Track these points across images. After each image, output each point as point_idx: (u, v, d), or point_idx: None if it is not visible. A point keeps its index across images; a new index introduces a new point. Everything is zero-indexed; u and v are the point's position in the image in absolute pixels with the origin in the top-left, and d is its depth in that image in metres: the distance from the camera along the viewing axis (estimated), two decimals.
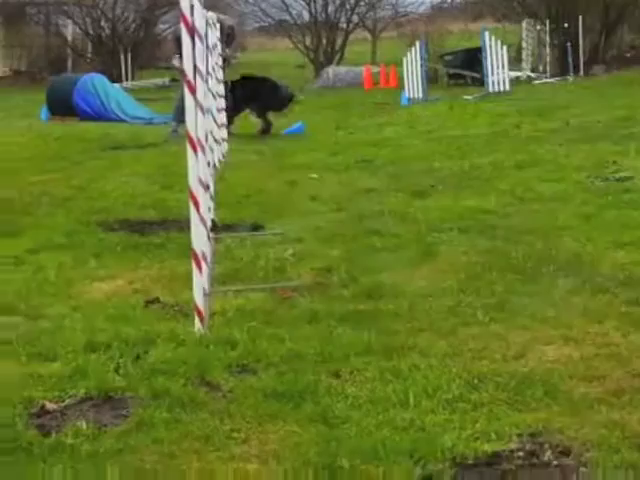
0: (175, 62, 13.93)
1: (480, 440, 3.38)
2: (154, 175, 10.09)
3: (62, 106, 18.00)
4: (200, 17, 5.15)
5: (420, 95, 20.51)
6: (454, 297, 5.16)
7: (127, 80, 30.62)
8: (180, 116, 13.72)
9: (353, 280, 5.57)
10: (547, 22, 27.04)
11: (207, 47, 7.86)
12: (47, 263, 6.20)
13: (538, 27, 27.81)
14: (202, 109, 4.89)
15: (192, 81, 4.81)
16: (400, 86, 23.78)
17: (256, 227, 7.15)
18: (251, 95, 14.11)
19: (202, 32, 5.22)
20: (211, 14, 13.09)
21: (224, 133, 11.71)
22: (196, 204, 4.82)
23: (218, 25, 12.30)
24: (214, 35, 10.61)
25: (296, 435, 3.50)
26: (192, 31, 4.85)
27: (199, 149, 4.91)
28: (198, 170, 4.88)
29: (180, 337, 4.55)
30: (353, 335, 4.57)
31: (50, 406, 3.77)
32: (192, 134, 4.76)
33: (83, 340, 4.53)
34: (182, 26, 4.81)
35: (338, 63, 34.07)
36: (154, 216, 7.73)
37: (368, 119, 16.52)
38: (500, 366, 4.10)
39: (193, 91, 4.81)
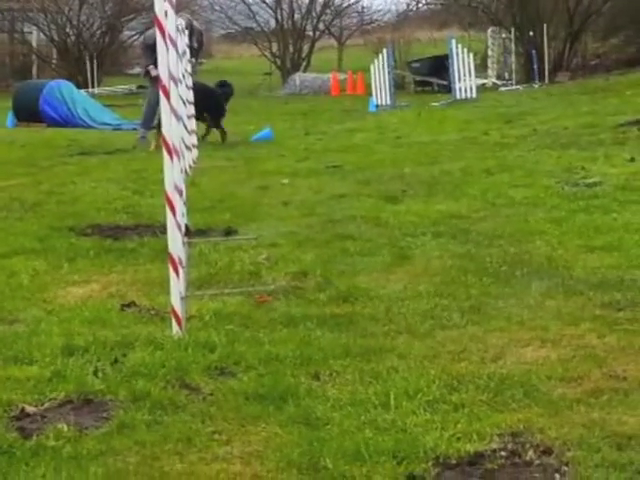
0: (153, 72, 13.89)
1: (462, 440, 3.41)
2: (124, 180, 10.06)
3: (28, 112, 17.93)
4: (173, 23, 5.14)
5: (388, 102, 20.62)
6: (430, 300, 5.18)
7: (93, 86, 30.50)
8: (148, 123, 13.75)
9: (328, 284, 5.58)
10: (512, 30, 27.30)
11: (177, 53, 7.85)
12: (20, 268, 6.16)
13: (503, 35, 28.07)
14: (176, 115, 4.88)
15: (167, 87, 4.80)
16: (367, 93, 23.93)
17: (229, 232, 7.15)
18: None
19: (175, 38, 5.22)
20: (181, 19, 13.12)
21: (194, 139, 11.70)
22: (172, 209, 4.81)
23: (187, 30, 12.32)
24: (183, 41, 10.60)
25: (279, 436, 3.51)
26: (167, 37, 4.84)
27: (174, 154, 4.90)
28: (173, 175, 4.87)
29: (158, 340, 4.54)
30: (331, 338, 4.59)
31: (30, 409, 3.75)
32: (168, 139, 4.76)
33: (60, 343, 4.51)
34: (157, 32, 4.80)
35: (305, 70, 34.19)
36: (127, 221, 7.71)
37: (337, 125, 16.59)
38: (479, 368, 4.13)
39: (168, 97, 4.80)
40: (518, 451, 3.31)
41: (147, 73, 13.69)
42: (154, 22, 4.89)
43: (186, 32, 12.55)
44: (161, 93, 4.72)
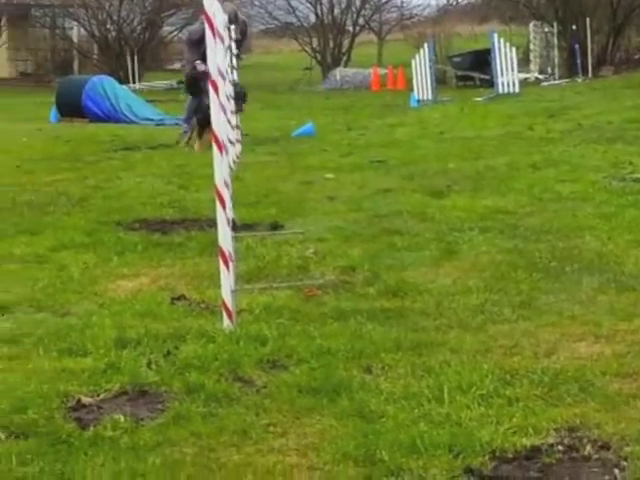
0: (200, 67, 13.95)
1: (518, 434, 3.40)
2: (169, 175, 10.11)
3: (71, 108, 18.05)
4: (221, 19, 5.16)
5: (429, 96, 20.55)
6: (480, 295, 5.17)
7: (134, 82, 30.66)
8: (190, 118, 13.80)
9: (377, 278, 5.58)
10: (555, 24, 27.09)
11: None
12: (70, 261, 6.22)
13: (546, 29, 27.86)
14: (224, 110, 4.90)
15: (216, 82, 4.82)
16: (408, 88, 23.85)
17: (276, 226, 7.17)
18: None
19: (222, 33, 5.24)
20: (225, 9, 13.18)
21: (237, 134, 11.73)
22: (222, 203, 4.83)
23: (232, 24, 12.42)
24: (227, 36, 10.64)
25: (334, 429, 3.52)
26: (215, 32, 4.86)
27: (224, 149, 4.91)
28: (223, 170, 4.88)
29: (209, 333, 4.57)
30: (382, 332, 4.59)
31: (86, 400, 3.79)
32: (218, 134, 4.78)
33: (113, 336, 4.55)
34: (206, 27, 4.81)
35: (345, 65, 34.15)
36: (173, 215, 7.75)
37: (378, 120, 16.55)
38: (532, 362, 4.11)
39: (217, 92, 4.82)
40: (575, 446, 3.30)
41: (194, 68, 13.73)
42: (204, 18, 4.91)
43: (232, 26, 12.63)
44: (210, 88, 4.74)
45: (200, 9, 13.11)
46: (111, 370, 4.10)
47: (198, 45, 13.36)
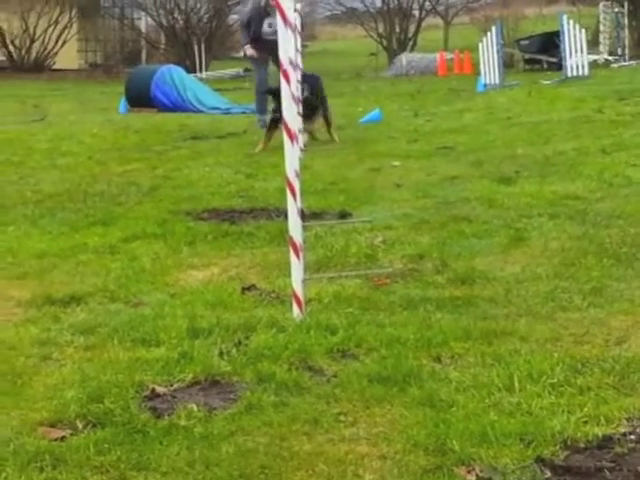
0: (248, 51, 14.05)
1: (589, 424, 3.39)
2: (237, 164, 10.20)
3: (140, 98, 18.25)
4: (292, 7, 5.19)
5: (497, 81, 20.36)
6: (549, 282, 5.15)
7: (201, 71, 30.89)
8: (261, 107, 13.88)
9: (446, 266, 5.58)
10: (625, 4, 26.63)
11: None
12: (141, 251, 6.32)
13: (616, 9, 27.40)
14: (294, 99, 4.93)
15: (287, 71, 4.85)
16: (475, 72, 23.67)
17: (344, 215, 7.19)
18: None
19: (292, 21, 5.27)
20: None
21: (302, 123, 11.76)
22: (293, 193, 4.86)
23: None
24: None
25: (404, 418, 3.54)
26: (287, 21, 4.89)
27: (294, 139, 4.94)
28: (293, 160, 4.92)
29: (280, 323, 4.61)
30: (451, 320, 4.59)
31: (160, 390, 3.86)
32: (289, 124, 4.81)
33: (185, 326, 4.62)
34: (278, 17, 4.85)
35: (411, 50, 33.99)
36: (242, 205, 7.82)
37: (445, 106, 16.48)
38: (603, 351, 4.09)
39: (289, 81, 4.86)
40: None
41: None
42: (275, 6, 4.95)
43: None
44: (282, 78, 4.77)
45: None
46: (184, 360, 4.16)
47: (247, 28, 13.74)
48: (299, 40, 12.04)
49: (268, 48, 13.39)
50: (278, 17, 4.81)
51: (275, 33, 13.83)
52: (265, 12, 13.64)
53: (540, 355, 4.06)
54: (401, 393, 3.76)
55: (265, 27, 13.75)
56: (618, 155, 9.09)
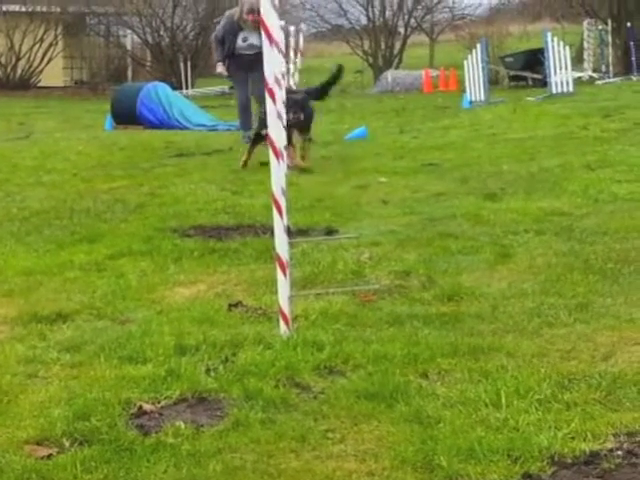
0: (219, 68, 14.03)
1: (576, 439, 3.40)
2: (223, 181, 10.19)
3: (126, 115, 18.22)
4: (277, 24, 5.20)
5: (482, 98, 20.44)
6: (536, 298, 5.17)
7: (187, 88, 30.90)
8: (245, 122, 13.91)
9: (432, 283, 5.60)
10: (609, 21, 26.81)
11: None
12: (128, 269, 6.31)
13: (600, 27, 27.57)
14: (280, 117, 4.94)
15: (273, 89, 4.86)
16: (460, 89, 23.77)
17: (330, 231, 7.20)
18: None
19: (278, 38, 5.29)
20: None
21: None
22: (279, 210, 4.87)
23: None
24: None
25: (391, 434, 3.54)
26: (272, 38, 4.90)
27: (280, 157, 4.96)
28: (280, 177, 4.93)
29: (266, 340, 4.62)
30: (438, 336, 4.60)
31: (147, 407, 3.86)
32: (275, 141, 4.82)
33: (172, 343, 4.61)
34: (263, 33, 4.87)
35: (397, 67, 34.10)
36: (228, 221, 7.82)
37: (431, 123, 16.52)
38: (589, 366, 4.11)
39: (275, 99, 4.87)
40: (635, 451, 3.29)
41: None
42: (259, 23, 4.99)
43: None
44: (267, 96, 4.79)
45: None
46: (171, 377, 4.16)
47: (222, 44, 13.62)
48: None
49: (244, 64, 13.48)
50: (263, 35, 4.82)
51: (250, 47, 13.49)
52: (238, 26, 13.52)
53: (527, 371, 4.07)
54: (388, 409, 3.76)
55: (239, 42, 13.62)
56: (603, 171, 9.14)
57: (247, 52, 13.53)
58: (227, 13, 14.26)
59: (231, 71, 13.85)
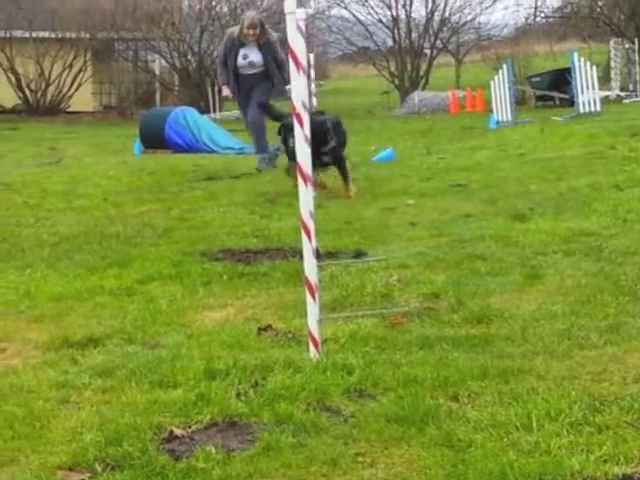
0: (224, 91, 14.04)
1: (609, 463, 3.38)
2: (251, 204, 10.23)
3: (155, 140, 18.36)
4: (302, 47, 5.21)
5: (509, 118, 20.43)
6: (566, 320, 5.15)
7: (214, 111, 31.09)
8: (260, 144, 13.48)
9: (461, 305, 5.59)
10: (636, 40, 26.75)
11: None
12: (158, 293, 6.35)
13: (626, 46, 27.52)
14: (307, 141, 4.97)
15: (301, 114, 4.89)
16: (487, 110, 23.77)
17: (359, 254, 7.21)
18: None
19: (305, 65, 5.31)
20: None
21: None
22: (308, 234, 4.89)
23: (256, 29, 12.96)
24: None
25: (422, 458, 3.54)
26: (299, 63, 4.93)
27: (309, 181, 4.97)
28: (308, 201, 4.95)
29: (296, 363, 4.62)
30: (468, 359, 4.59)
31: (178, 432, 3.87)
32: (303, 166, 4.85)
33: (202, 367, 4.63)
34: (290, 58, 4.90)
35: (423, 88, 34.14)
36: (257, 245, 7.85)
37: (458, 143, 16.52)
38: (621, 389, 4.08)
39: (302, 124, 4.89)
40: None
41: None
42: (286, 48, 5.03)
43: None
44: (295, 121, 4.82)
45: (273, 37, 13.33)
46: (201, 401, 4.17)
47: (225, 65, 13.53)
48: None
49: (246, 84, 13.41)
50: (290, 61, 4.85)
51: (251, 66, 13.35)
52: (240, 42, 13.34)
53: (558, 393, 4.05)
54: (419, 433, 3.76)
55: (240, 59, 13.40)
56: (632, 191, 9.10)
57: (248, 72, 13.44)
58: (228, 31, 14.13)
59: (235, 92, 13.74)
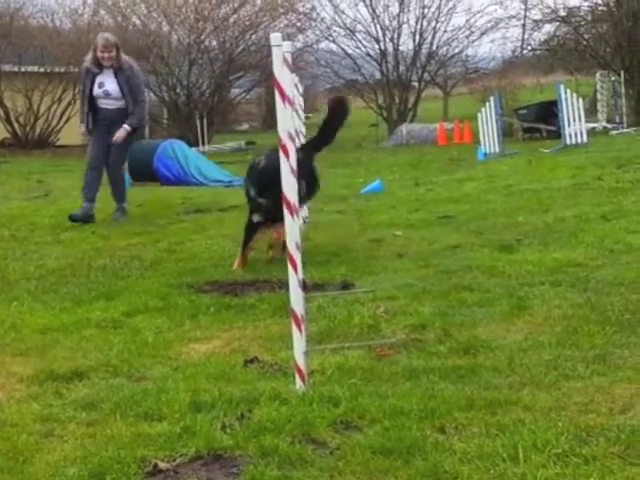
0: (81, 129, 12.23)
1: None
2: (239, 237, 10.20)
3: (143, 172, 18.38)
4: (287, 79, 5.23)
5: (497, 150, 20.54)
6: (552, 351, 5.14)
7: (203, 144, 31.17)
8: (89, 189, 12.24)
9: (448, 336, 5.58)
10: (622, 72, 26.97)
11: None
12: (144, 325, 6.33)
13: (612, 78, 27.73)
14: (294, 174, 4.97)
15: (286, 145, 4.90)
16: (475, 141, 23.88)
17: (346, 285, 7.21)
18: None
19: (291, 95, 5.31)
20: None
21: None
22: (294, 266, 4.88)
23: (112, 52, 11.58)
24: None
25: None
26: (285, 96, 4.94)
27: (295, 213, 4.97)
28: (295, 234, 4.94)
29: (282, 396, 4.60)
30: (454, 390, 4.57)
31: (162, 465, 3.84)
32: (289, 198, 4.85)
33: (187, 400, 4.60)
34: (276, 91, 4.91)
35: (411, 121, 34.31)
36: (244, 277, 7.83)
37: (446, 175, 16.59)
38: (608, 419, 4.07)
39: (288, 156, 4.90)
40: None
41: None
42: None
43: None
44: (281, 152, 4.82)
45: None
46: (186, 434, 4.14)
47: (84, 96, 12.08)
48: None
49: (104, 119, 12.07)
50: (276, 93, 4.86)
51: (107, 96, 12.01)
52: (96, 68, 11.93)
53: (544, 424, 4.04)
54: (405, 465, 3.73)
55: (96, 88, 11.95)
56: (618, 222, 9.14)
57: (106, 105, 12.07)
58: (84, 59, 12.33)
59: (91, 126, 12.17)
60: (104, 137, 12.02)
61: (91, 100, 12.01)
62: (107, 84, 11.96)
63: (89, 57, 11.99)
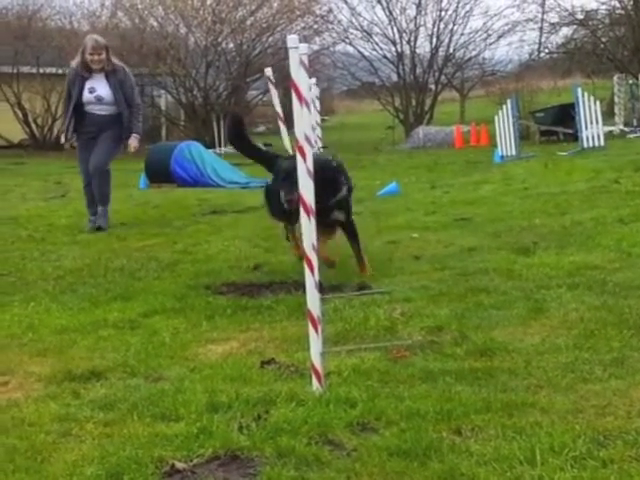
0: (62, 139, 12.10)
1: None
2: (255, 238, 10.25)
3: (160, 174, 18.43)
4: (305, 81, 5.23)
5: (513, 152, 20.49)
6: (570, 354, 5.13)
7: (220, 146, 31.20)
8: (90, 203, 11.87)
9: (465, 338, 5.57)
10: (639, 76, 26.87)
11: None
12: (161, 326, 6.35)
13: (630, 81, 27.64)
14: (310, 174, 4.98)
15: (303, 147, 4.91)
16: (491, 144, 23.83)
17: (362, 287, 7.20)
18: None
19: (308, 97, 5.32)
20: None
21: None
22: (310, 268, 4.88)
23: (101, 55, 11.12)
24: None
25: None
26: (302, 98, 4.95)
27: (312, 214, 4.98)
28: (311, 235, 4.95)
29: (299, 397, 4.61)
30: (471, 393, 4.57)
31: (180, 465, 3.85)
32: (306, 199, 4.86)
33: (204, 400, 4.62)
34: (293, 93, 4.92)
35: (428, 123, 34.27)
36: (260, 278, 7.85)
37: (462, 178, 16.56)
38: (625, 423, 4.06)
39: (305, 158, 4.91)
40: None
41: None
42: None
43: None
44: (298, 154, 4.83)
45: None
46: (203, 435, 4.15)
47: (69, 101, 11.63)
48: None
49: (93, 127, 11.57)
50: (293, 94, 4.86)
51: (98, 102, 11.54)
52: (85, 72, 11.41)
53: (561, 427, 4.03)
54: (421, 467, 3.73)
55: (86, 93, 11.41)
56: (636, 225, 9.10)
57: (97, 112, 11.58)
58: (71, 64, 11.79)
59: (77, 133, 11.66)
60: (91, 149, 11.58)
61: (77, 106, 11.48)
62: (99, 89, 11.48)
63: (77, 60, 11.44)
